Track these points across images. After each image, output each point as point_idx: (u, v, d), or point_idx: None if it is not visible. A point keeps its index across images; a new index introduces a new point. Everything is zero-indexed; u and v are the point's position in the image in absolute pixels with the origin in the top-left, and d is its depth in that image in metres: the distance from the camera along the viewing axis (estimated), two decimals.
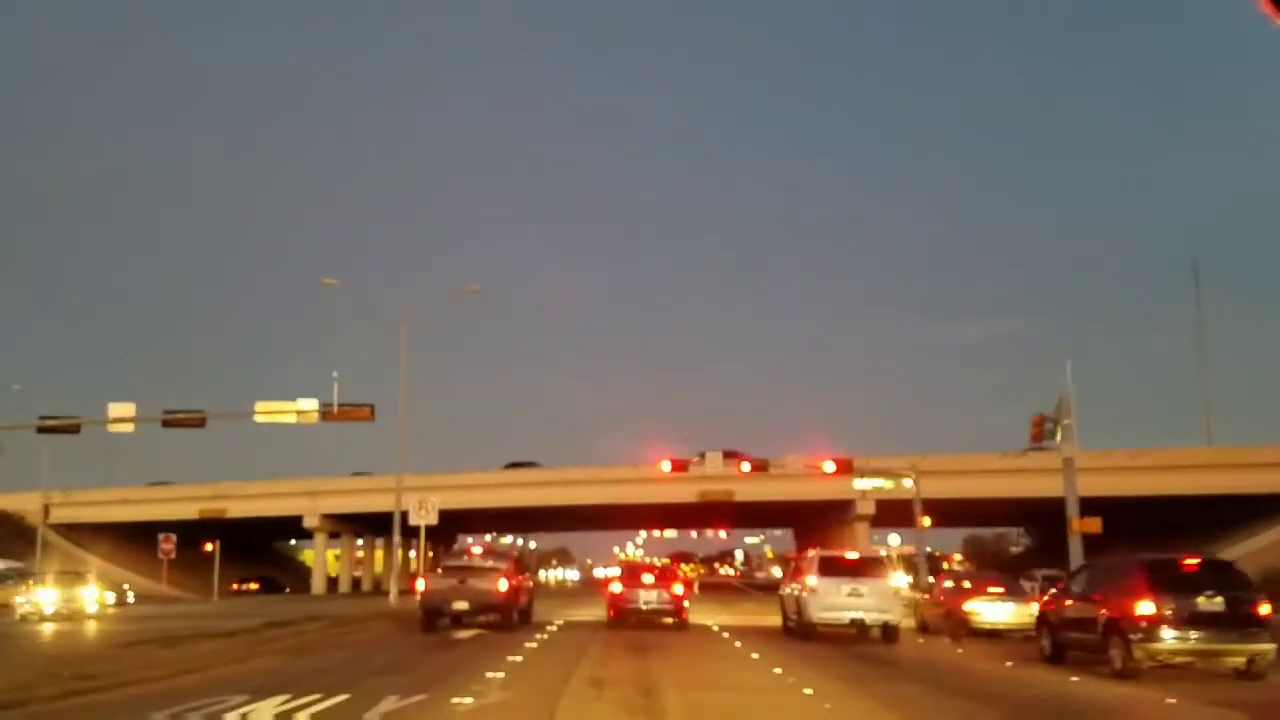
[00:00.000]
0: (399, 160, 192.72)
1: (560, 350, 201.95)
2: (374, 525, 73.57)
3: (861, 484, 48.77)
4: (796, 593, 23.14)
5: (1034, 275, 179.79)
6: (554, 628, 25.04)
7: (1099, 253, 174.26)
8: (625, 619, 24.82)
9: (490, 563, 24.41)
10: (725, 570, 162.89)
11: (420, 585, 23.06)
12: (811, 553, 23.84)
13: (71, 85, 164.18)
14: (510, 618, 23.20)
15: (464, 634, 22.31)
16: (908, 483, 47.68)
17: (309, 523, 66.90)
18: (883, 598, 22.01)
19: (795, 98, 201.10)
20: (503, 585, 22.66)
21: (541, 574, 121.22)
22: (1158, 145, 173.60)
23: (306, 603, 45.45)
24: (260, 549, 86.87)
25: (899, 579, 22.50)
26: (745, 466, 48.36)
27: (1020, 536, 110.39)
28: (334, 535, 72.08)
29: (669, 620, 24.89)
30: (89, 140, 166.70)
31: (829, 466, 47.43)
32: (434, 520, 31.57)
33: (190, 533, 63.89)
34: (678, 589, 24.65)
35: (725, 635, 23.80)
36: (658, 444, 48.34)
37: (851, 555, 23.34)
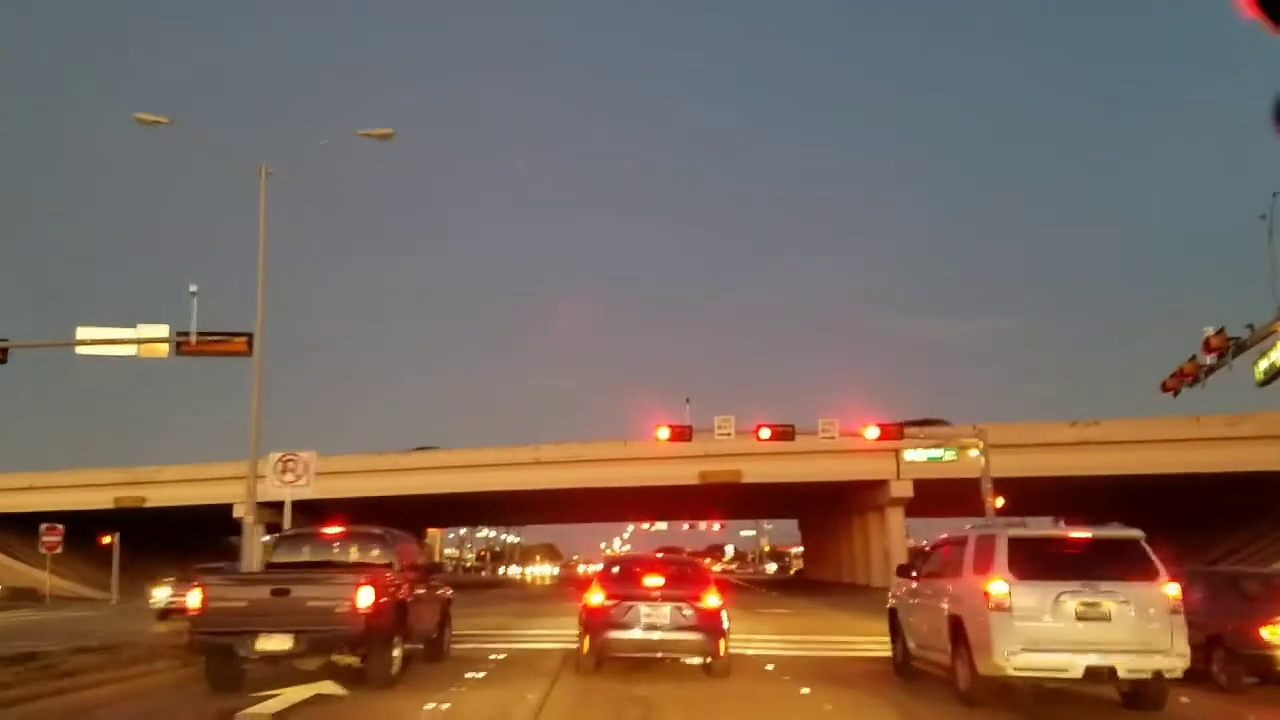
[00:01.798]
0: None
1: (550, 333, 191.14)
2: (325, 515, 61.72)
3: (913, 455, 36.97)
4: (950, 610, 11.24)
5: (1042, 270, 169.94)
6: (481, 674, 13.02)
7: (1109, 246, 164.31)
8: (610, 654, 12.78)
9: (346, 553, 12.54)
10: (715, 566, 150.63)
11: (193, 600, 10.94)
12: (980, 527, 11.81)
13: None
14: (383, 662, 11.17)
15: (283, 699, 10.32)
16: (973, 454, 35.86)
17: (239, 512, 54.28)
18: (1148, 621, 10.18)
19: (800, 91, 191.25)
20: (363, 599, 10.64)
21: (517, 570, 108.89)
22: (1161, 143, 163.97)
23: None
24: (207, 543, 74.67)
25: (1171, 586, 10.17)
26: (764, 434, 36.50)
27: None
28: (274, 528, 59.68)
29: (696, 660, 12.91)
30: None
31: (872, 432, 35.60)
32: (308, 491, 19.53)
33: (126, 524, 52.19)
34: (712, 600, 12.58)
35: (805, 691, 11.86)
36: (655, 416, 35.63)
37: (1079, 534, 11.17)
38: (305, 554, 12.72)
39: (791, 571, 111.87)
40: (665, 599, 12.43)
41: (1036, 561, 10.48)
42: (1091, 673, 10.04)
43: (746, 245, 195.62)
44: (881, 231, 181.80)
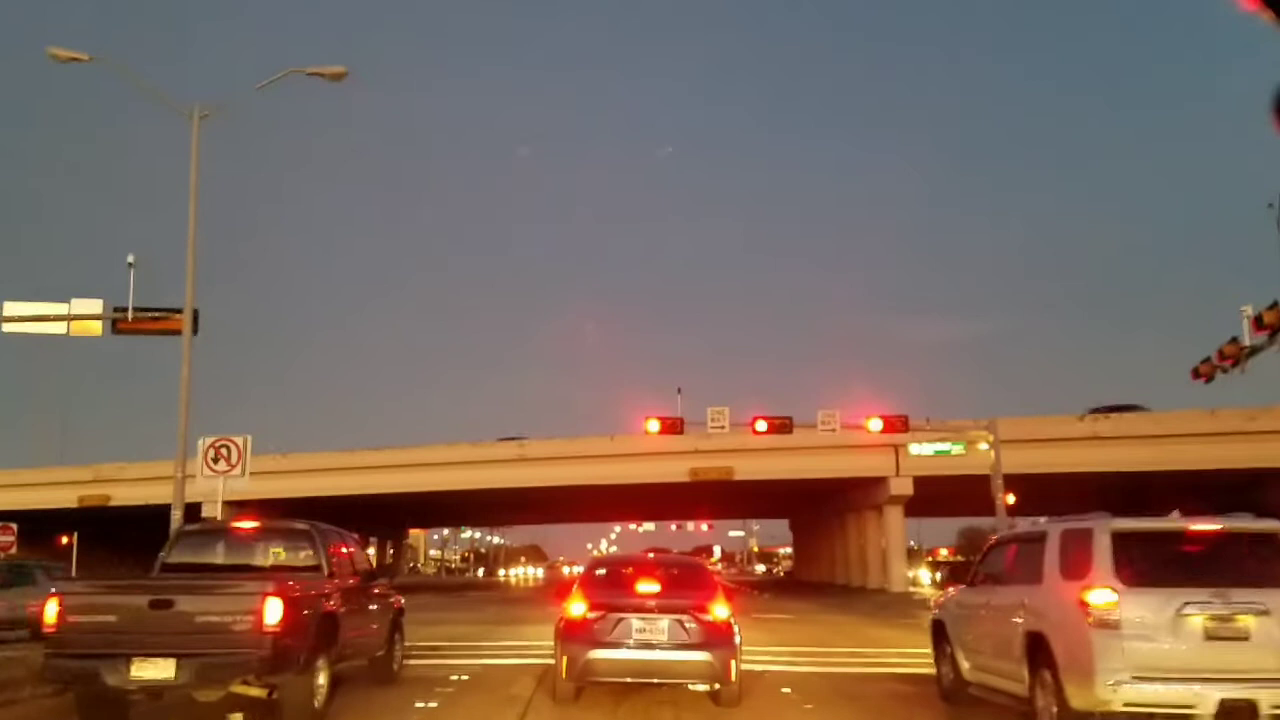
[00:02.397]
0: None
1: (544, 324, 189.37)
2: (306, 515, 58.77)
3: (919, 449, 34.52)
4: (1026, 625, 8.73)
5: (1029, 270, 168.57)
6: (434, 703, 10.43)
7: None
8: (594, 679, 10.11)
9: (262, 553, 10.00)
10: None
11: (50, 611, 8.34)
12: (1062, 521, 9.24)
13: None
14: (302, 692, 8.60)
15: None
16: (982, 447, 33.48)
17: (208, 511, 51.17)
18: None
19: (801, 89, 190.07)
20: (270, 613, 8.07)
21: (502, 572, 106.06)
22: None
23: None
24: None
25: None
26: (761, 426, 34.11)
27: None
28: None
29: (701, 686, 10.32)
30: None
31: (876, 424, 33.25)
32: (243, 482, 16.77)
33: (91, 523, 49.33)
34: (720, 610, 10.04)
35: None
36: (645, 412, 33.14)
37: (1204, 526, 8.59)
38: (212, 554, 10.13)
39: (777, 572, 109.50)
40: (663, 610, 9.89)
41: (1149, 562, 8.01)
42: (1228, 709, 7.54)
43: (745, 242, 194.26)
44: (882, 228, 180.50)
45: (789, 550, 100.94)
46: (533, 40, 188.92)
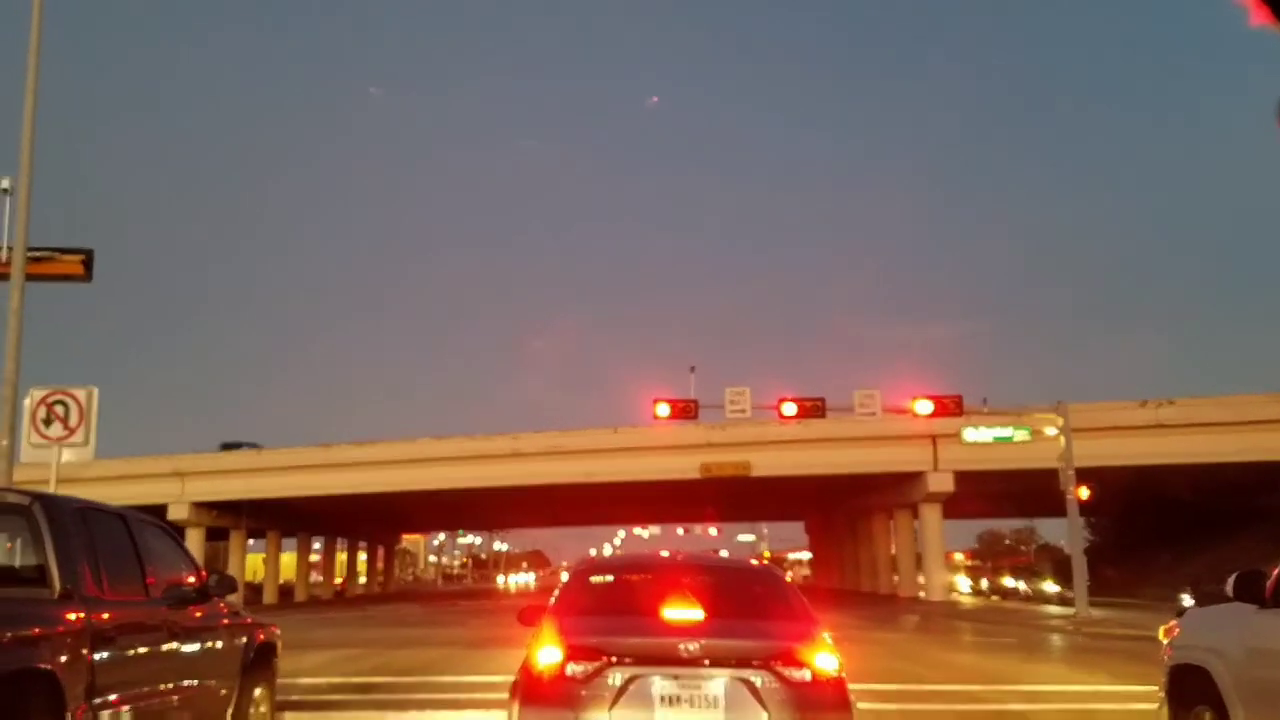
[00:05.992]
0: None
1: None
2: (278, 517, 54.27)
3: (975, 434, 29.69)
4: None
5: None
6: None
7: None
8: None
9: None
10: None
11: None
12: None
13: None
14: None
15: None
16: (1049, 432, 28.62)
17: (175, 513, 46.37)
18: None
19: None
20: None
21: (501, 580, 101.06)
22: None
23: None
24: None
25: None
26: (789, 409, 29.32)
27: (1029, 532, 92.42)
28: (219, 532, 51.88)
29: None
30: None
31: (924, 406, 28.47)
32: (87, 451, 11.90)
33: None
34: (825, 661, 5.26)
35: None
36: (654, 394, 27.96)
37: None
38: None
39: (788, 577, 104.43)
40: (716, 658, 5.04)
41: None
42: None
43: (752, 241, 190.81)
44: (888, 227, 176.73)
45: (801, 555, 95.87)
46: (531, 38, 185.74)
